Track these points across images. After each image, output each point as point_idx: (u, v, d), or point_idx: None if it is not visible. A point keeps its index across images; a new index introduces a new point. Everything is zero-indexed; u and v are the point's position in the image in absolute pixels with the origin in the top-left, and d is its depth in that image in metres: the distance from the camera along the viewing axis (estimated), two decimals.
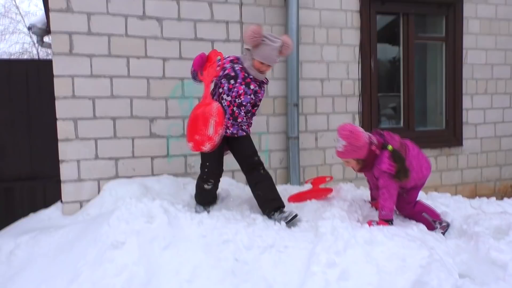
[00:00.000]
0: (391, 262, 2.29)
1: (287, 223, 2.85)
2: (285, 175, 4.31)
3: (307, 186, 3.69)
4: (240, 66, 3.07)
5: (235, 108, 3.08)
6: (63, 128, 3.56)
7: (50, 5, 3.54)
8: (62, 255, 2.85)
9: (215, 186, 3.22)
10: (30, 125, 3.63)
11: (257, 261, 2.47)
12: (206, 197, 3.27)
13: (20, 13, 16.88)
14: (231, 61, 3.10)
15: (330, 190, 3.44)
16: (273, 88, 4.20)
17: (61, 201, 3.63)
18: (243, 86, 3.04)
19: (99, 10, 3.65)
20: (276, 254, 2.50)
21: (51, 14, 3.56)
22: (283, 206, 3.05)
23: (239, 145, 3.19)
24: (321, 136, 4.46)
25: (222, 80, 3.06)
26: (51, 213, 3.63)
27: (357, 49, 4.56)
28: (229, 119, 3.08)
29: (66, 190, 3.59)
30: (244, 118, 3.13)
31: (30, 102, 3.62)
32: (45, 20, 6.33)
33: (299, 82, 4.20)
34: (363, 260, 2.29)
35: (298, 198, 3.36)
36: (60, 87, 3.55)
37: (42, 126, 3.65)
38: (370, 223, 2.76)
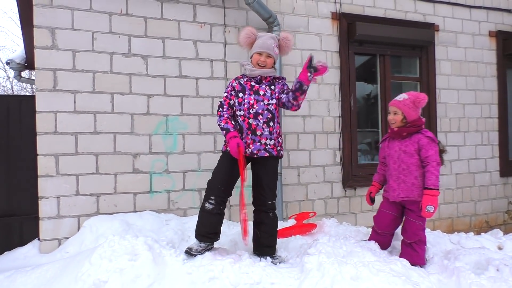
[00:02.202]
0: None
1: (272, 261, 2.84)
2: None
3: (291, 222, 3.71)
4: (246, 78, 2.94)
5: (251, 120, 2.85)
6: (43, 164, 3.51)
7: (36, 43, 3.57)
8: None
9: (218, 209, 2.83)
10: (9, 161, 3.55)
11: None
12: (205, 225, 2.83)
13: None
14: (236, 78, 3.00)
15: (314, 226, 3.46)
16: None
17: (39, 239, 3.52)
18: (253, 95, 2.88)
19: (85, 47, 3.70)
20: None
21: (36, 51, 3.58)
22: (275, 253, 3.00)
23: (261, 172, 2.92)
24: (303, 171, 4.52)
25: (233, 98, 2.91)
26: (28, 251, 3.51)
27: (337, 88, 4.73)
28: (247, 134, 2.85)
29: (45, 227, 3.50)
30: (266, 130, 2.86)
31: (10, 138, 3.57)
32: (24, 56, 6.36)
33: (281, 119, 4.30)
34: None
35: (282, 233, 3.36)
36: (42, 123, 3.52)
37: (22, 161, 3.59)
38: (424, 207, 2.85)
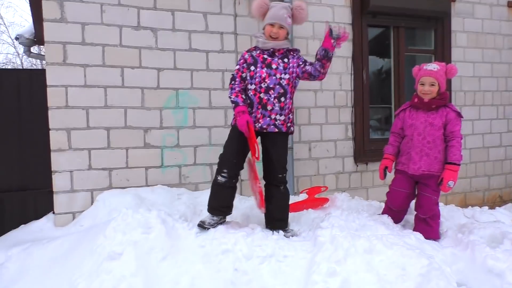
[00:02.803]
0: (391, 271, 2.29)
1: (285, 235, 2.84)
2: None
3: (303, 196, 3.70)
4: (258, 51, 2.88)
5: (262, 95, 2.80)
6: (56, 139, 3.52)
7: (44, 15, 3.52)
8: (56, 267, 2.79)
9: (230, 182, 2.81)
10: (21, 136, 3.56)
11: (257, 271, 2.45)
12: (218, 198, 2.83)
13: (4, 23, 16.74)
14: (248, 50, 2.92)
15: (326, 200, 3.45)
16: None
17: (53, 213, 3.56)
18: (265, 69, 2.81)
19: (94, 20, 3.64)
20: (275, 263, 2.48)
21: (45, 24, 3.53)
22: (287, 227, 2.99)
23: (270, 147, 2.88)
24: (315, 146, 4.48)
25: (246, 71, 2.85)
26: (43, 224, 3.56)
27: (349, 61, 4.63)
28: (258, 108, 2.82)
29: (59, 201, 3.53)
30: (277, 105, 2.80)
31: (22, 112, 3.57)
32: (33, 31, 6.31)
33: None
34: (364, 269, 2.29)
35: (294, 208, 3.36)
36: (53, 97, 3.51)
37: (34, 136, 3.60)
38: (446, 182, 2.87)
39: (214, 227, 2.79)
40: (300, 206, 3.37)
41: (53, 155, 3.51)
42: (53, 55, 3.53)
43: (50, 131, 3.49)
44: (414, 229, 2.99)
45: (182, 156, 3.94)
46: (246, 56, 2.89)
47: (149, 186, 3.80)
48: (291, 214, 3.09)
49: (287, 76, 2.85)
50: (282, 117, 2.85)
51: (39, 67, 14.80)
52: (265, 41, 2.86)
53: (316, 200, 3.47)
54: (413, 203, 3.19)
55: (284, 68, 2.84)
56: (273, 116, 2.82)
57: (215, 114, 4.06)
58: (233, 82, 2.86)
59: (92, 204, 3.59)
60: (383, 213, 3.19)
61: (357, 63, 4.64)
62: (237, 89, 2.83)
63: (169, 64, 3.89)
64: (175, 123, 3.91)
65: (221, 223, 2.84)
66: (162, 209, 3.14)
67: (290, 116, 2.93)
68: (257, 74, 2.82)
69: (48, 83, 3.50)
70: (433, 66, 3.03)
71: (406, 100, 4.98)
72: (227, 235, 2.69)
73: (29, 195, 3.61)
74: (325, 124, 4.55)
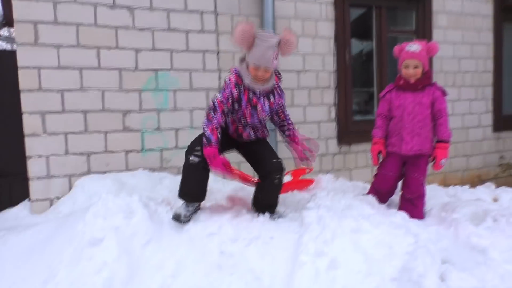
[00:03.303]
0: (378, 249, 2.29)
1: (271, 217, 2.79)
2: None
3: (287, 178, 3.66)
4: (243, 86, 2.66)
5: (240, 127, 2.78)
6: (29, 123, 3.36)
7: None
8: (34, 255, 2.68)
9: (204, 163, 2.58)
10: None
11: (243, 253, 2.41)
12: (192, 182, 2.65)
13: None
14: (236, 83, 2.64)
15: (311, 181, 3.42)
16: None
17: (29, 199, 3.43)
18: (249, 109, 2.69)
19: None
20: (262, 245, 2.45)
21: (13, 2, 3.34)
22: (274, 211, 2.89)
23: (251, 145, 2.84)
24: (298, 128, 4.38)
25: (229, 105, 2.68)
26: (19, 212, 3.42)
27: (332, 41, 4.57)
28: (233, 132, 2.81)
29: (35, 187, 3.40)
30: (252, 134, 2.82)
31: None
32: (1, 12, 6.00)
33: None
34: (351, 248, 2.27)
35: None
36: (25, 80, 3.35)
37: (5, 120, 3.43)
38: (439, 161, 2.90)
39: (189, 220, 2.65)
40: (285, 188, 3.33)
41: (27, 140, 3.36)
42: (23, 35, 3.35)
43: (23, 115, 3.33)
44: (399, 209, 2.99)
45: (163, 139, 3.84)
46: (234, 91, 2.64)
47: (129, 170, 3.70)
48: None
49: (267, 117, 2.84)
50: (258, 133, 2.87)
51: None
52: (252, 83, 2.63)
53: (301, 182, 3.44)
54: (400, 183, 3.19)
55: (270, 108, 2.76)
56: (247, 138, 2.85)
57: (197, 96, 3.96)
58: (212, 113, 2.59)
59: (70, 190, 3.47)
60: (368, 193, 3.18)
61: (339, 43, 4.59)
62: (215, 124, 2.56)
63: (147, 44, 3.76)
64: (155, 105, 3.79)
65: (195, 212, 2.71)
66: (144, 194, 3.06)
67: (265, 131, 2.94)
68: (240, 112, 2.71)
69: (19, 64, 3.33)
70: (415, 47, 2.98)
71: (388, 82, 4.97)
72: (212, 217, 2.64)
73: (3, 181, 3.46)
74: (308, 106, 4.50)
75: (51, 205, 3.43)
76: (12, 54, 3.55)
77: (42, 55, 3.40)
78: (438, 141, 2.94)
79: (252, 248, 2.44)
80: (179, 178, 3.65)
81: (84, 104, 3.53)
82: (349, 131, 4.72)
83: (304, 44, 4.42)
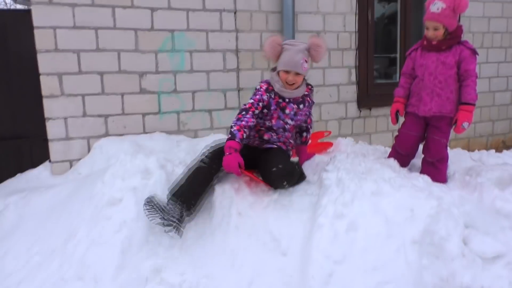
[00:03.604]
0: (400, 212, 2.23)
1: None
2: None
3: None
4: (274, 92, 2.63)
5: (263, 129, 2.69)
6: (47, 84, 3.34)
7: None
8: (55, 214, 2.74)
9: (211, 170, 2.52)
10: (11, 81, 3.38)
11: (261, 215, 2.39)
12: (187, 183, 2.46)
13: None
14: (266, 90, 2.61)
15: (330, 144, 3.36)
16: None
17: (50, 161, 3.47)
18: (277, 112, 2.65)
19: None
20: (280, 208, 2.42)
21: None
22: None
23: (263, 154, 2.66)
24: (317, 91, 4.31)
25: (260, 109, 2.60)
26: (40, 173, 3.47)
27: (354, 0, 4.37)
28: (254, 137, 2.71)
29: (54, 149, 3.42)
30: (274, 136, 2.70)
31: (10, 57, 3.36)
32: None
33: (295, 35, 4.03)
34: (371, 211, 2.23)
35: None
36: (41, 40, 3.30)
37: (24, 82, 3.42)
38: (460, 124, 2.75)
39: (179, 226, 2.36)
40: None
41: (46, 102, 3.35)
42: None
43: (41, 76, 3.31)
44: (421, 172, 2.90)
45: (180, 102, 3.79)
46: (265, 97, 2.59)
47: (147, 133, 3.68)
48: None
49: (293, 123, 2.74)
50: (278, 143, 2.74)
51: None
52: (282, 89, 2.61)
53: (319, 145, 3.37)
54: (421, 146, 3.10)
55: (295, 115, 2.71)
56: (268, 145, 2.72)
57: (214, 58, 3.86)
58: (243, 113, 2.51)
59: (89, 151, 3.49)
60: (389, 156, 3.10)
61: (362, 1, 4.38)
62: (243, 123, 2.46)
63: (163, 3, 3.64)
64: (171, 67, 3.72)
65: (180, 225, 2.37)
66: (161, 156, 3.04)
67: (290, 141, 2.83)
68: (267, 116, 2.66)
69: (34, 24, 3.27)
70: (437, 7, 2.75)
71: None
72: (230, 181, 2.62)
73: (24, 143, 3.49)
74: (327, 68, 4.37)
75: (70, 166, 3.47)
76: (27, 14, 3.50)
77: (57, 15, 3.33)
78: (461, 103, 2.80)
79: (270, 211, 2.42)
80: (196, 141, 3.67)
81: (100, 65, 3.48)
82: (370, 94, 4.58)
83: (324, 2, 4.23)
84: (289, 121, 2.71)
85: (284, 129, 2.74)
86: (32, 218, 2.82)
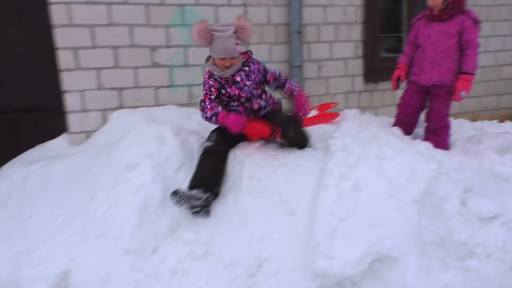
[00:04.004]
0: (402, 174, 2.36)
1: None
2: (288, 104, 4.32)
3: (313, 112, 3.71)
4: (217, 76, 2.77)
5: (246, 104, 2.81)
6: (63, 58, 3.48)
7: None
8: (76, 179, 2.90)
9: (218, 149, 2.65)
10: (27, 56, 3.51)
11: (271, 178, 2.53)
12: (200, 169, 2.56)
13: None
14: (209, 77, 2.78)
15: (336, 115, 3.47)
16: (276, 15, 4.11)
17: (67, 132, 3.63)
18: (233, 86, 2.76)
19: None
20: (288, 171, 2.55)
21: None
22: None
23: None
24: (324, 65, 4.42)
25: (214, 93, 2.76)
26: (58, 143, 3.63)
27: None
28: (246, 114, 2.82)
29: (72, 120, 3.58)
30: (261, 102, 2.84)
31: (25, 32, 3.48)
32: None
33: (302, 9, 4.10)
34: (375, 173, 2.35)
35: (305, 123, 3.38)
36: (57, 15, 3.42)
37: (39, 56, 3.54)
38: (458, 92, 2.85)
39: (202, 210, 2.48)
40: (311, 121, 3.39)
41: (62, 75, 3.49)
42: None
43: (57, 50, 3.44)
44: (424, 140, 3.02)
45: (191, 75, 3.91)
46: (211, 82, 2.76)
47: (159, 106, 3.82)
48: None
49: (255, 81, 2.80)
50: (269, 106, 2.89)
51: None
52: (221, 72, 2.72)
53: (326, 115, 3.49)
54: (423, 115, 3.20)
55: (247, 76, 2.78)
56: (261, 107, 2.86)
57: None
58: (202, 104, 2.72)
59: (104, 123, 3.64)
60: (393, 125, 3.22)
61: None
62: (208, 107, 2.69)
63: None
64: (182, 41, 3.82)
65: (208, 207, 2.51)
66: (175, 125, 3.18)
67: (275, 100, 2.98)
68: (231, 93, 2.76)
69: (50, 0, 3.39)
70: None
71: None
72: (241, 146, 2.75)
73: (42, 115, 3.64)
74: (334, 42, 4.44)
75: (87, 137, 3.63)
76: None
77: None
78: (461, 73, 2.89)
79: (279, 174, 2.55)
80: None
81: (113, 40, 3.59)
82: (376, 68, 4.65)
83: None
84: (248, 83, 2.77)
85: (257, 91, 2.81)
86: (54, 183, 2.98)
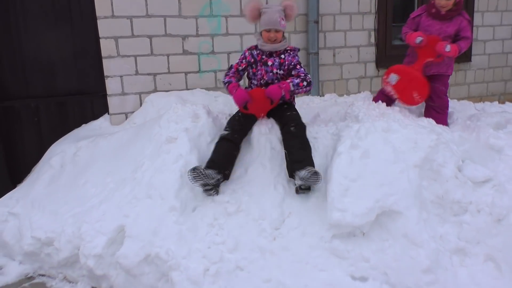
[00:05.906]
0: (405, 144, 2.72)
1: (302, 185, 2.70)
2: None
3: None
4: (258, 51, 3.10)
5: (262, 86, 3.09)
6: (106, 46, 3.91)
7: None
8: (121, 153, 3.33)
9: (233, 138, 2.89)
10: (75, 45, 3.97)
11: None
12: (218, 153, 2.83)
13: None
14: (249, 49, 3.15)
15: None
16: None
17: (108, 113, 4.07)
18: (263, 67, 3.07)
19: None
20: None
21: None
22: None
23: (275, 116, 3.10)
24: (339, 52, 4.76)
25: (248, 68, 3.13)
26: (101, 123, 4.09)
27: None
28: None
29: (112, 103, 4.03)
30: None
31: (73, 24, 3.93)
32: None
33: (319, 0, 4.45)
34: (381, 143, 2.72)
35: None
36: (100, 8, 3.84)
37: (85, 45, 4.00)
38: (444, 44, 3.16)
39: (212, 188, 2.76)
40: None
41: (105, 62, 3.93)
42: None
43: (100, 39, 3.88)
44: (425, 116, 3.38)
45: (217, 62, 4.31)
46: (247, 54, 3.12)
47: (189, 89, 4.23)
48: (318, 106, 3.49)
49: (281, 72, 3.07)
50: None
51: None
52: (263, 44, 3.04)
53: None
54: None
55: (280, 64, 3.05)
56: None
57: (246, 22, 4.29)
58: (228, 71, 3.14)
59: (141, 105, 4.08)
60: (374, 98, 3.58)
61: None
62: (230, 74, 3.09)
63: None
64: (209, 30, 4.22)
65: (217, 187, 2.80)
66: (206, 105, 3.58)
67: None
68: (258, 72, 3.09)
69: None
70: None
71: None
72: (266, 123, 3.14)
73: (86, 98, 4.11)
74: (349, 31, 4.78)
75: (126, 118, 4.07)
76: None
77: None
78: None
79: None
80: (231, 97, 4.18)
81: (149, 30, 4.01)
82: (388, 55, 4.98)
83: None
84: (278, 71, 3.05)
85: (278, 80, 3.06)
86: (102, 156, 3.42)
